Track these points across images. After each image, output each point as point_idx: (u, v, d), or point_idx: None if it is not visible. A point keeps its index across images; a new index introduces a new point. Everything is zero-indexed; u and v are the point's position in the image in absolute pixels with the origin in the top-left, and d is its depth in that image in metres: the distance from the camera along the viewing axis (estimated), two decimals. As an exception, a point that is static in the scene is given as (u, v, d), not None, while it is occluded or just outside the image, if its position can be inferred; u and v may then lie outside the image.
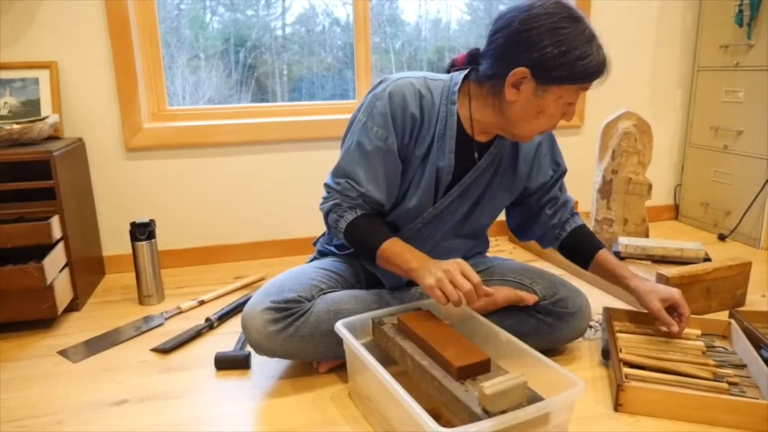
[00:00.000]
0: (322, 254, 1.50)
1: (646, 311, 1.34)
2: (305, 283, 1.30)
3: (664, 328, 1.35)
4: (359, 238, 1.28)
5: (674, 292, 1.32)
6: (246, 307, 1.27)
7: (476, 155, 1.31)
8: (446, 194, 1.33)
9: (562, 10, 1.11)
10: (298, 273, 1.34)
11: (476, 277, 1.12)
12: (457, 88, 1.27)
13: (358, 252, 1.37)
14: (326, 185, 1.32)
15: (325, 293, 1.30)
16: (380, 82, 1.28)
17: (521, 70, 1.12)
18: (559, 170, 1.44)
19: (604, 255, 1.41)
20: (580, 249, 1.44)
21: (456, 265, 1.13)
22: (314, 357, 1.31)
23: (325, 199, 1.32)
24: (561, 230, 1.46)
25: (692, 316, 1.48)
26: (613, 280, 1.39)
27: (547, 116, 1.18)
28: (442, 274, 1.11)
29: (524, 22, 1.11)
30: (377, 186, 1.27)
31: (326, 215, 1.32)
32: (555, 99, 1.15)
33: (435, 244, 1.38)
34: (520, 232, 1.54)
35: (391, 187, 1.29)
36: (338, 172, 1.29)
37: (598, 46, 1.12)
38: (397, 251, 1.22)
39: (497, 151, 1.33)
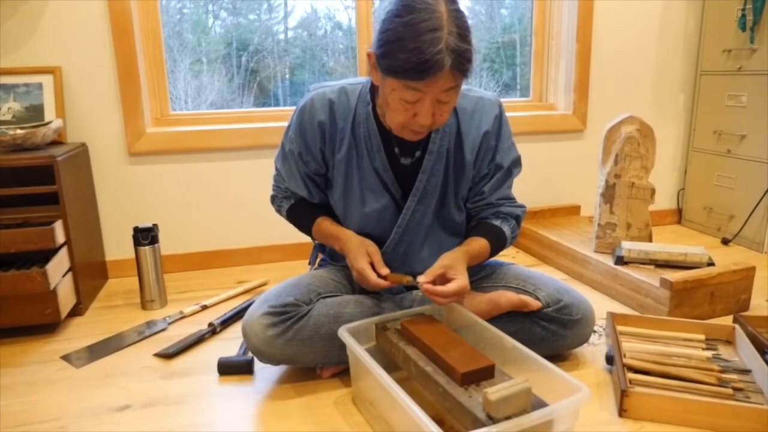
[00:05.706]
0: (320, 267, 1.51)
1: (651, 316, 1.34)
2: (303, 288, 1.31)
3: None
4: (297, 222, 1.44)
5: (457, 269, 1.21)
6: (245, 315, 1.29)
7: (396, 150, 1.29)
8: (405, 208, 1.32)
9: None
10: (296, 280, 1.36)
11: (382, 272, 1.24)
12: (368, 87, 1.27)
13: (304, 232, 1.46)
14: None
15: (324, 297, 1.31)
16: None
17: (370, 52, 1.13)
18: (498, 171, 1.35)
19: (472, 240, 1.33)
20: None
21: (360, 268, 1.23)
22: (316, 362, 1.31)
23: (272, 187, 1.48)
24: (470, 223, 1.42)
25: (696, 321, 1.48)
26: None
27: (392, 109, 1.12)
28: (358, 275, 1.25)
29: (389, 5, 1.09)
30: (296, 183, 1.38)
31: (272, 202, 1.49)
32: (390, 91, 1.10)
33: (416, 254, 1.37)
34: None
35: (312, 188, 1.38)
36: (275, 165, 1.43)
37: (431, 43, 0.99)
38: (324, 231, 1.37)
39: (437, 147, 1.29)
